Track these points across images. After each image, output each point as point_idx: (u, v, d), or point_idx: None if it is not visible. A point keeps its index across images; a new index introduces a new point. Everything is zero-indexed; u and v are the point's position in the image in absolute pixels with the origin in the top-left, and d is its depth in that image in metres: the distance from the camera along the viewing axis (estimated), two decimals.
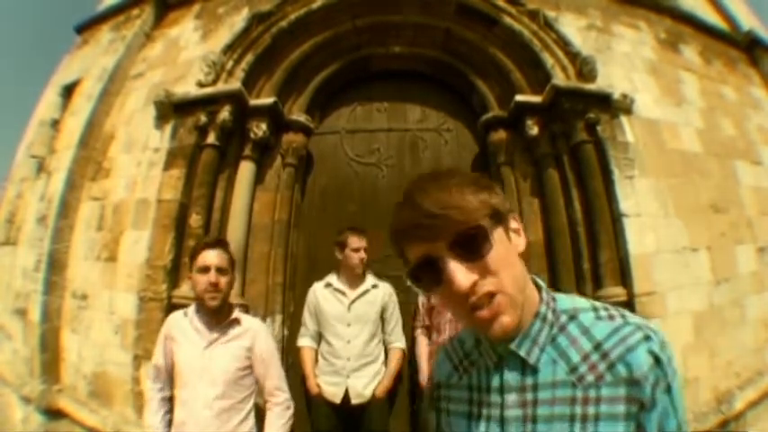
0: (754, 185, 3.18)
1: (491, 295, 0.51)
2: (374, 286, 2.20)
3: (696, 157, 2.95)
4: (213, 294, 1.46)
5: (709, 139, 3.09)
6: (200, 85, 2.83)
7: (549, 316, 0.56)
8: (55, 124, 3.62)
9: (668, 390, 0.50)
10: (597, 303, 0.58)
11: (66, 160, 3.08)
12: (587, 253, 2.48)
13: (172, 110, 2.87)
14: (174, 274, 2.51)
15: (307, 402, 2.19)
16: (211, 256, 1.48)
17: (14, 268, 3.15)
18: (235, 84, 2.78)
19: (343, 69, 3.14)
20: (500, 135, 2.81)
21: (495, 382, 0.58)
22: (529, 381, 0.55)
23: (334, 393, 2.04)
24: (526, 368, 0.55)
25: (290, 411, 1.57)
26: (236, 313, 1.58)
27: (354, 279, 2.18)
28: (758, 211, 3.09)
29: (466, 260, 0.51)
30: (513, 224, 0.58)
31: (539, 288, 0.59)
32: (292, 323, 2.62)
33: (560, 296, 0.60)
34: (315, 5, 2.94)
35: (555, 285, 2.41)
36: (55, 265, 2.86)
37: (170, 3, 3.62)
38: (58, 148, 3.33)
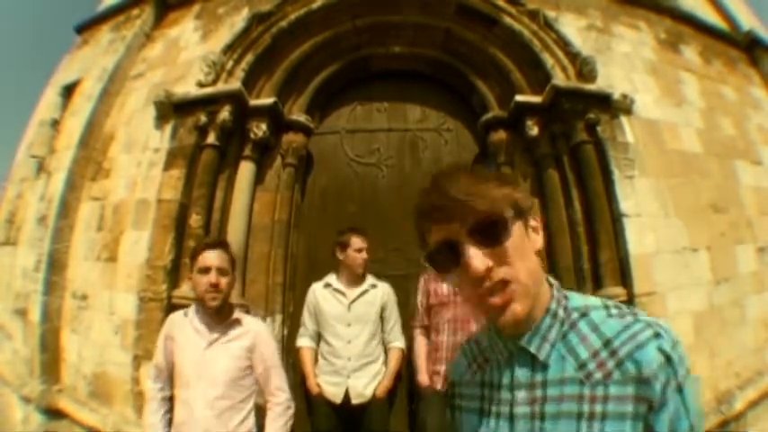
0: (754, 185, 3.18)
1: (504, 283, 0.52)
2: (373, 286, 2.20)
3: (696, 157, 2.95)
4: (214, 295, 1.47)
5: (709, 139, 3.09)
6: (201, 85, 2.83)
7: (561, 313, 0.57)
8: (55, 124, 3.62)
9: (680, 389, 0.49)
10: (609, 302, 0.58)
11: (67, 160, 3.08)
12: (587, 253, 2.48)
13: (172, 110, 2.87)
14: (174, 275, 2.51)
15: (307, 402, 2.19)
16: (212, 257, 1.49)
17: (14, 268, 3.15)
18: (235, 84, 2.78)
19: (343, 69, 3.14)
20: (500, 135, 2.81)
21: (506, 378, 0.58)
22: (538, 377, 0.55)
23: (334, 393, 2.04)
24: (536, 365, 0.55)
25: (291, 411, 1.57)
26: (237, 314, 1.58)
27: (354, 279, 2.18)
28: (758, 211, 3.10)
29: (484, 246, 0.52)
30: (533, 222, 0.60)
31: (551, 286, 0.60)
32: (292, 323, 2.62)
33: (572, 294, 0.60)
34: (315, 5, 2.94)
35: None
36: (55, 265, 2.86)
37: (170, 3, 3.62)
38: (57, 148, 3.33)
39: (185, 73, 3.05)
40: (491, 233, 0.53)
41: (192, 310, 1.57)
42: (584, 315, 0.56)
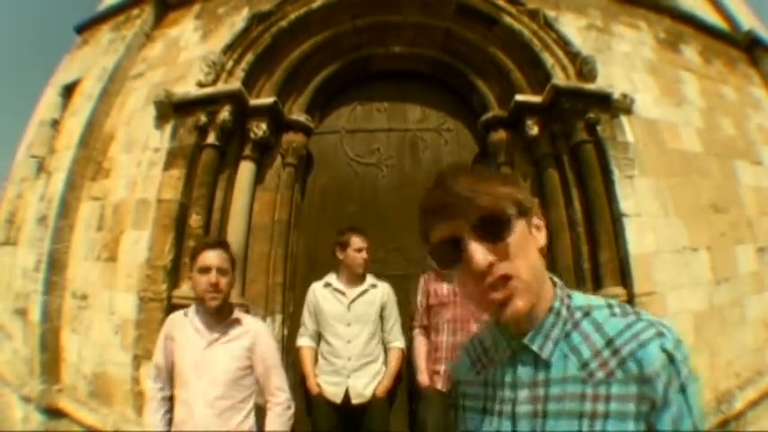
0: (754, 185, 3.18)
1: (506, 278, 0.52)
2: (373, 286, 2.20)
3: (696, 156, 2.95)
4: (214, 295, 1.47)
5: (709, 138, 3.09)
6: (201, 85, 2.83)
7: (564, 312, 0.57)
8: (55, 124, 3.62)
9: (682, 389, 0.49)
10: (612, 301, 0.58)
11: (67, 160, 3.08)
12: (587, 253, 2.48)
13: (172, 110, 2.87)
14: (174, 275, 2.51)
15: (307, 402, 2.19)
16: (212, 257, 1.49)
17: (14, 268, 3.15)
18: (235, 84, 2.78)
19: (343, 69, 3.14)
20: (500, 135, 2.81)
21: (509, 377, 0.58)
22: (541, 376, 0.55)
23: (334, 393, 2.04)
24: (539, 363, 0.56)
25: (291, 411, 1.57)
26: (237, 313, 1.58)
27: (354, 279, 2.18)
28: (758, 211, 3.10)
29: (486, 242, 0.53)
30: (536, 220, 0.60)
31: (555, 285, 0.60)
32: (292, 323, 2.62)
33: (576, 293, 0.60)
34: (315, 5, 2.94)
35: None
36: (55, 265, 2.86)
37: (170, 3, 3.62)
38: (58, 147, 3.33)
39: (185, 73, 3.05)
40: (494, 229, 0.53)
41: (191, 309, 1.57)
42: (587, 314, 0.56)
